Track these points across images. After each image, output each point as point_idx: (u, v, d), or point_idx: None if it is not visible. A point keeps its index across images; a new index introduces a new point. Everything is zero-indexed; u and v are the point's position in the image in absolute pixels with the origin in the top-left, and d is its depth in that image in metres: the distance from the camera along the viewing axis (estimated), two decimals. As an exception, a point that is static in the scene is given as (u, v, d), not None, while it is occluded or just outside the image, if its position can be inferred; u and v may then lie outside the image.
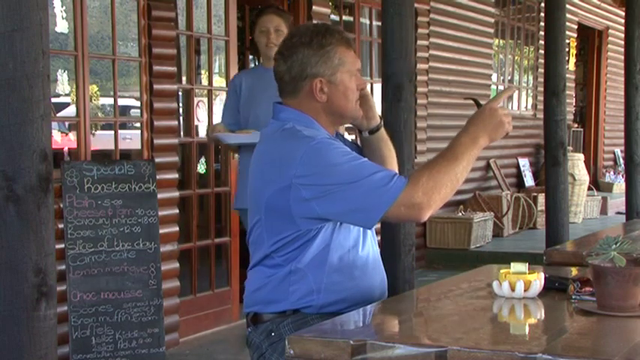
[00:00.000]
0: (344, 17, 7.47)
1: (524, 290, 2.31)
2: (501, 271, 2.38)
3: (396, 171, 2.71)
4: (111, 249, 4.54)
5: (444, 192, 2.39)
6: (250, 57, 8.87)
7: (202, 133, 5.99)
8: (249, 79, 4.61)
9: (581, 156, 10.95)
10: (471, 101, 2.64)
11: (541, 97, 7.57)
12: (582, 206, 10.62)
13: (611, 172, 12.93)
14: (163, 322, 4.64)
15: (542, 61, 8.00)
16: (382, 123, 2.78)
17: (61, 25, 5.01)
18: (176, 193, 5.42)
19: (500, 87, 10.59)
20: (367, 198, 2.36)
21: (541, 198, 9.05)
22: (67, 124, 9.41)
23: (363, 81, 2.66)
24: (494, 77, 10.19)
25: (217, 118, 6.12)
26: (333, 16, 7.20)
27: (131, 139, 7.10)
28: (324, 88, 2.54)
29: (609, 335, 2.04)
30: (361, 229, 2.57)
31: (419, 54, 7.91)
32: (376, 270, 2.63)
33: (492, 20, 9.77)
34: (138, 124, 5.27)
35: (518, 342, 2.03)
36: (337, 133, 2.74)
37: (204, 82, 6.15)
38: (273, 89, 2.69)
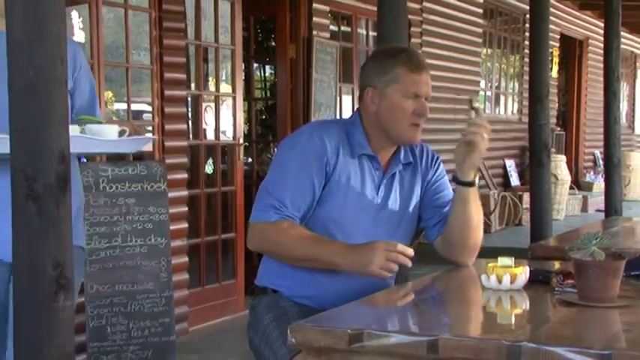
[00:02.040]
0: (342, 28, 7.46)
1: (511, 283, 2.30)
2: (489, 264, 2.38)
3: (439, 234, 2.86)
4: (125, 244, 4.52)
5: (269, 253, 2.50)
6: (255, 65, 8.85)
7: (210, 136, 5.95)
8: None
9: (564, 157, 10.96)
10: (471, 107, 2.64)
11: (526, 103, 7.55)
12: (564, 204, 10.61)
13: (591, 173, 12.92)
14: (174, 313, 4.62)
15: (527, 68, 7.99)
16: (472, 184, 2.65)
17: (79, 35, 5.00)
18: (185, 192, 5.41)
19: (489, 93, 10.60)
20: (255, 203, 2.46)
21: (526, 197, 9.04)
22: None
23: (425, 109, 2.50)
24: (482, 84, 10.21)
25: (224, 123, 6.12)
26: (332, 27, 7.19)
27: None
28: (374, 99, 2.52)
29: (590, 324, 2.04)
30: (346, 231, 2.49)
31: (412, 62, 7.88)
32: (354, 278, 2.42)
33: (481, 31, 9.77)
34: (150, 128, 5.26)
35: (505, 331, 2.03)
36: (433, 156, 2.68)
37: (212, 88, 6.14)
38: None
